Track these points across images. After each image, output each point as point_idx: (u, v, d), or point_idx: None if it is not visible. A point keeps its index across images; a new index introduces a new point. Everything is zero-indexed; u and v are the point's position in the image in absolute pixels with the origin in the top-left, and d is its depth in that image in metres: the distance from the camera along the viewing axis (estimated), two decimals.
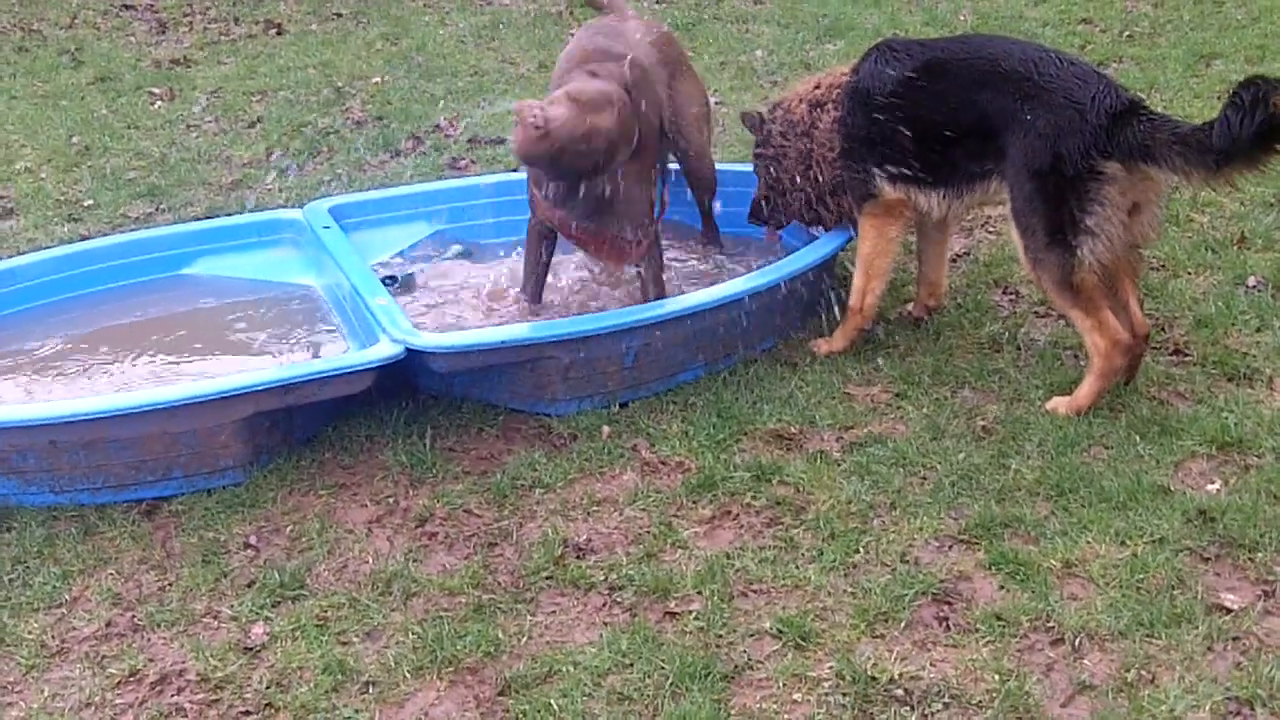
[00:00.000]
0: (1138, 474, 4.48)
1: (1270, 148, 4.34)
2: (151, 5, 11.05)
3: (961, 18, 9.20)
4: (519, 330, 4.95)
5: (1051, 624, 3.89)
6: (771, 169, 5.49)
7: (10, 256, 6.14)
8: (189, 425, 4.46)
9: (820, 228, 5.55)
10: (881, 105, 5.06)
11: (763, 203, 5.63)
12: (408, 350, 4.69)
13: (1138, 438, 4.68)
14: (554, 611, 4.03)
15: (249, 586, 4.16)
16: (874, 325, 5.41)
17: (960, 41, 5.42)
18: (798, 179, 5.41)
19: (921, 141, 5.00)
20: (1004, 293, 5.73)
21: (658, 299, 5.27)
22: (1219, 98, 7.50)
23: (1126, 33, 8.73)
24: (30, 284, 5.52)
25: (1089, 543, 4.19)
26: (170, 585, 4.19)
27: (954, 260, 6.01)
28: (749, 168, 5.74)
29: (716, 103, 7.95)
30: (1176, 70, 7.95)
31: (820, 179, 5.34)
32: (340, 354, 5.04)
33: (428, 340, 4.78)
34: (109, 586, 4.18)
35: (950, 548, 4.23)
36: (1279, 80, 4.29)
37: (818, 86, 5.40)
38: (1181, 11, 9.02)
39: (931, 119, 4.98)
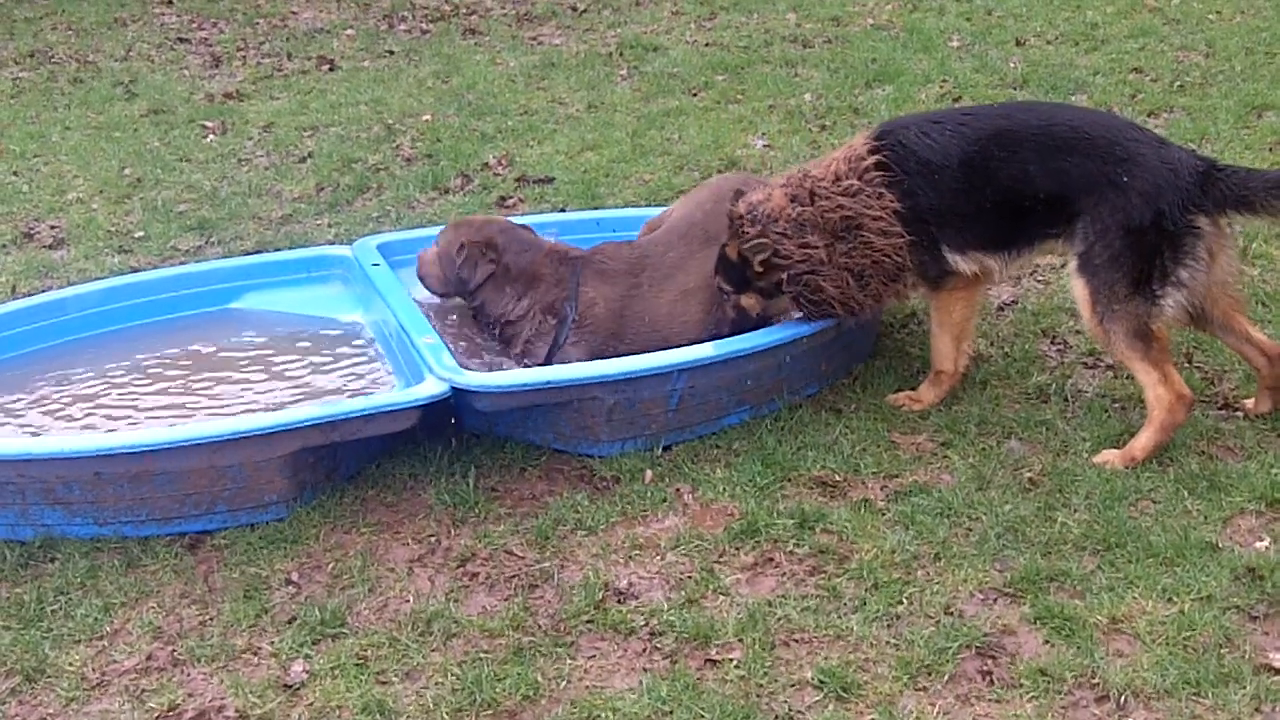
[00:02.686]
0: (1185, 530, 4.43)
1: None
2: (206, 39, 11.19)
3: (1012, 65, 9.18)
4: (563, 371, 4.95)
5: (1097, 680, 3.85)
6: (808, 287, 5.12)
7: (61, 287, 6.20)
8: (234, 460, 4.48)
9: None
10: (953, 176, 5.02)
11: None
12: (453, 389, 4.70)
13: (1186, 493, 4.64)
14: (594, 656, 4.02)
15: (290, 623, 4.16)
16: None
17: (1025, 109, 5.51)
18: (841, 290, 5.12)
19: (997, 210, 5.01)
20: (1052, 343, 5.69)
21: None
22: (1271, 149, 7.48)
23: (1178, 83, 8.68)
24: (79, 315, 5.56)
25: (1135, 599, 4.14)
26: (211, 620, 4.20)
27: (1001, 309, 5.98)
28: None
29: (764, 145, 7.96)
30: (1228, 121, 7.90)
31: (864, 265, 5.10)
32: (386, 391, 5.04)
33: (473, 379, 4.78)
34: (150, 620, 4.20)
35: (995, 600, 4.19)
36: None
37: (846, 160, 5.13)
38: (1233, 62, 8.97)
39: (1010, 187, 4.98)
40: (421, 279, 5.63)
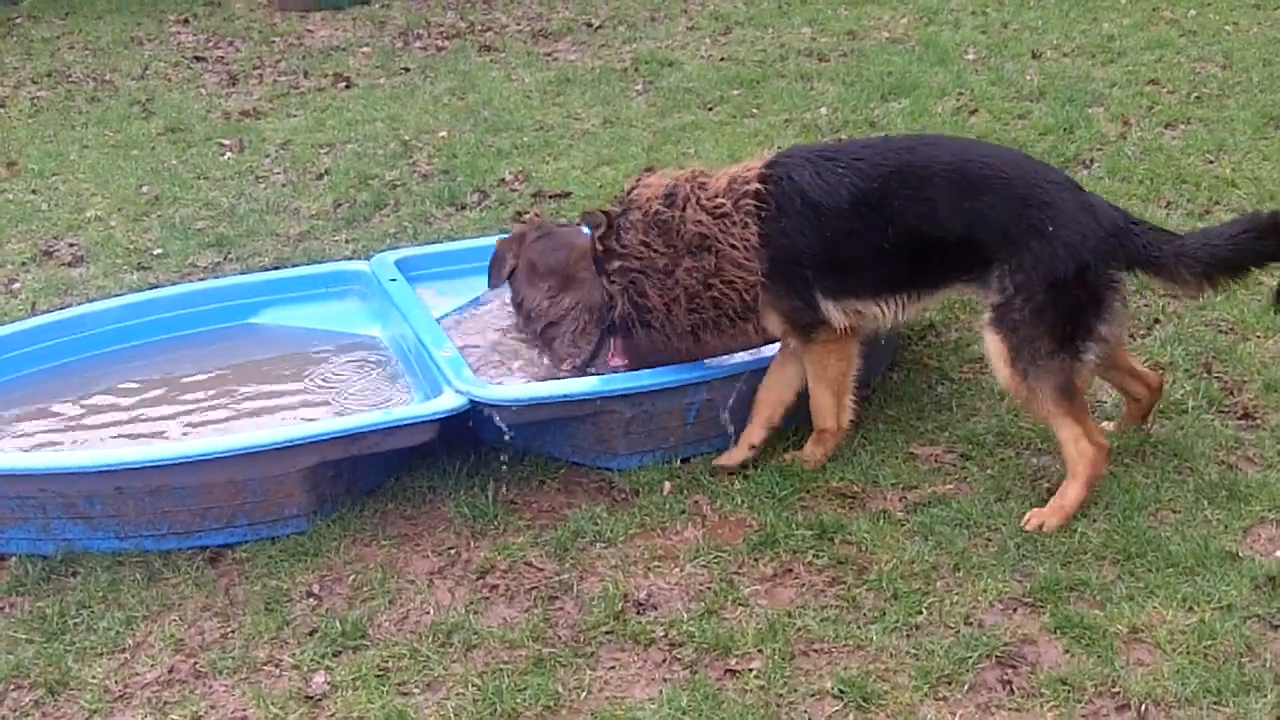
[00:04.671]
0: (1205, 539, 4.43)
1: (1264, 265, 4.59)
2: (222, 58, 11.24)
3: (1029, 77, 9.19)
4: (581, 384, 4.96)
5: (1117, 690, 3.85)
6: (633, 285, 4.86)
7: (80, 304, 6.22)
8: (254, 474, 4.50)
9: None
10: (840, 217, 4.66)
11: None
12: (471, 402, 4.71)
13: (1205, 502, 4.63)
14: (614, 667, 4.03)
15: (311, 635, 4.17)
16: (934, 386, 5.38)
17: (931, 144, 5.03)
18: (667, 305, 4.83)
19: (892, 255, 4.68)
20: None
21: None
22: None
23: (1195, 94, 8.68)
24: (99, 332, 5.59)
25: (1155, 608, 4.14)
26: (233, 633, 4.21)
27: None
28: None
29: None
30: (1245, 133, 7.90)
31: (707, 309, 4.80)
32: (404, 405, 5.05)
33: (491, 392, 4.80)
34: (172, 633, 4.22)
35: (1015, 610, 4.18)
36: None
37: (732, 180, 4.78)
38: (1251, 73, 8.96)
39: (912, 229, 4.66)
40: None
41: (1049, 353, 4.48)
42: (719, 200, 4.70)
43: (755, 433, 4.97)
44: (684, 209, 4.73)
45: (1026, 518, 4.57)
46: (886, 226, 4.62)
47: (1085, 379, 4.64)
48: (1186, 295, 4.75)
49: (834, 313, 4.75)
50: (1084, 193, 4.64)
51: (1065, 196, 4.55)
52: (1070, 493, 4.58)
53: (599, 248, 4.88)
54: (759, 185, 4.68)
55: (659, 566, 4.46)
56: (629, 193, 4.89)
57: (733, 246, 4.67)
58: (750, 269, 4.68)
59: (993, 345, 4.58)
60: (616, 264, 4.83)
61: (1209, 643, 3.99)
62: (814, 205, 4.64)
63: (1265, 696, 3.79)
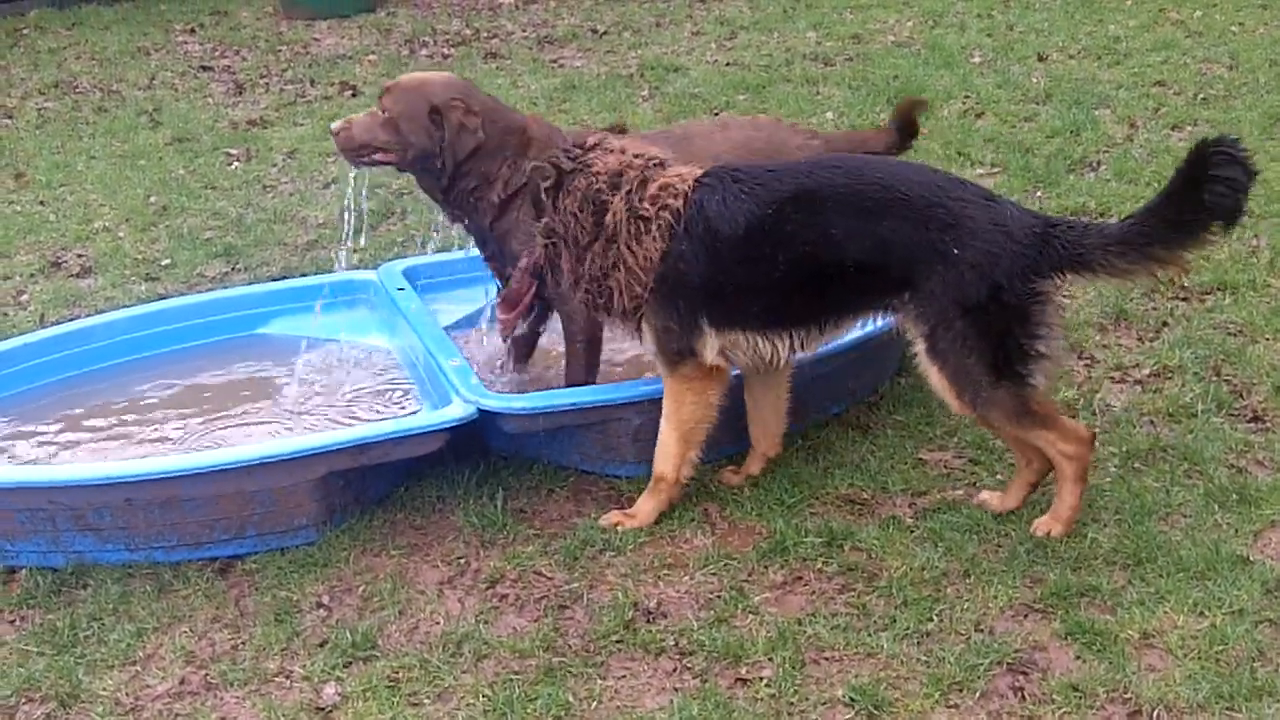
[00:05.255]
0: (1216, 543, 4.41)
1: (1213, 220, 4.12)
2: (229, 67, 11.27)
3: (1035, 80, 9.19)
4: (589, 392, 4.96)
5: (1129, 695, 3.83)
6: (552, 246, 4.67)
7: (88, 315, 6.24)
8: (263, 484, 4.50)
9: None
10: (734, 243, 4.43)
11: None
12: (479, 411, 4.72)
13: (1216, 506, 4.62)
14: (624, 675, 4.02)
15: (321, 646, 4.17)
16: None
17: (828, 166, 4.58)
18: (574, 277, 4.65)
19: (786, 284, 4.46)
20: (1079, 358, 5.67)
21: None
22: None
23: (1201, 95, 8.68)
24: (108, 343, 5.59)
25: (1167, 613, 4.13)
26: (243, 644, 4.21)
27: None
28: None
29: None
30: (1252, 134, 7.89)
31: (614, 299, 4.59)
32: (413, 415, 5.06)
33: (499, 401, 4.80)
34: (182, 644, 4.21)
35: (1025, 617, 4.17)
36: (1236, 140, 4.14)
37: (664, 188, 4.51)
38: (1257, 74, 8.96)
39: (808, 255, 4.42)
40: (355, 148, 5.15)
41: (990, 383, 4.26)
42: (646, 206, 4.46)
43: (754, 464, 4.97)
44: (619, 200, 4.49)
45: (1034, 526, 4.52)
46: (778, 255, 4.39)
47: (1042, 396, 4.35)
48: (1137, 283, 4.50)
49: (712, 343, 4.53)
50: (997, 205, 4.33)
51: (971, 213, 4.26)
52: (1067, 495, 4.47)
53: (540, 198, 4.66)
54: (679, 204, 4.45)
55: (669, 575, 4.45)
56: (586, 151, 4.61)
57: (632, 253, 4.46)
58: (641, 281, 4.48)
59: (933, 379, 4.37)
60: (544, 221, 4.66)
61: (1221, 648, 3.97)
62: (713, 231, 4.41)
63: (1278, 701, 3.77)
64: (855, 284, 4.42)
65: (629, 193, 4.48)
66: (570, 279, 4.62)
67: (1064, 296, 4.40)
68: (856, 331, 4.79)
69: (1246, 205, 4.13)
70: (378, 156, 5.13)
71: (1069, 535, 4.45)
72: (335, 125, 5.21)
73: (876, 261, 4.34)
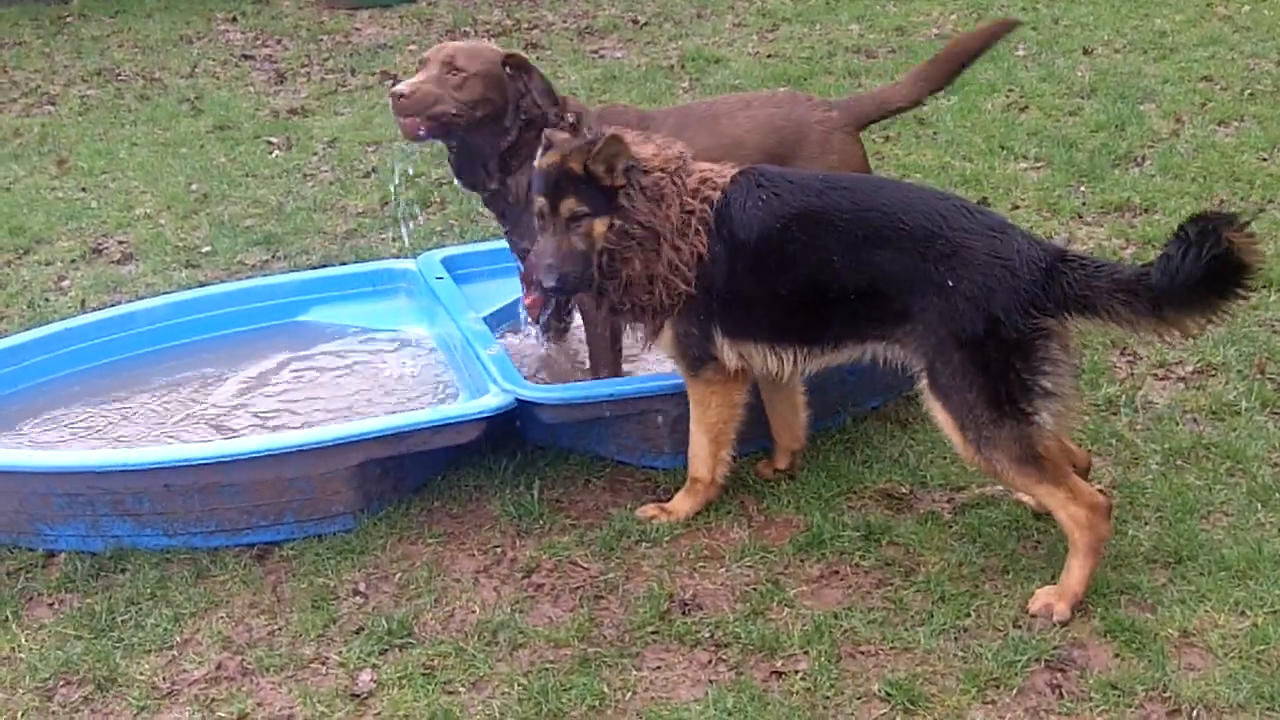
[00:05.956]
0: (1258, 542, 4.37)
1: (1225, 288, 3.86)
2: (270, 56, 11.30)
3: (1080, 73, 9.11)
4: (626, 383, 4.95)
5: (1168, 694, 3.81)
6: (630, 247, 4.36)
7: (130, 301, 6.27)
8: (301, 472, 4.51)
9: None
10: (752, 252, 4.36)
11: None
12: (517, 401, 4.71)
13: (1259, 505, 4.57)
14: (659, 667, 4.01)
15: (357, 633, 4.18)
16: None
17: (840, 187, 4.44)
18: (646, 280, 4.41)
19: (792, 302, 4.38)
20: (1121, 354, 5.63)
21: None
22: None
23: (1248, 91, 8.59)
24: (149, 329, 5.62)
25: (1207, 612, 4.09)
26: (280, 630, 4.23)
27: None
28: None
29: None
30: None
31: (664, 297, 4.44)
32: (451, 404, 5.06)
33: (536, 391, 4.80)
34: (219, 629, 4.23)
35: None
36: (1231, 215, 3.89)
37: (704, 181, 4.43)
38: None
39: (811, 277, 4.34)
40: (425, 108, 4.94)
41: (993, 421, 4.07)
42: (690, 200, 4.38)
43: (780, 459, 4.94)
44: (674, 191, 4.39)
45: (1033, 599, 4.17)
46: (783, 271, 4.34)
47: (1048, 441, 4.12)
48: (1141, 337, 4.24)
49: (729, 351, 4.48)
50: (1003, 237, 4.15)
51: (973, 243, 4.12)
52: (1074, 569, 4.14)
53: (619, 183, 4.36)
54: (720, 198, 4.38)
55: (704, 567, 4.44)
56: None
57: (678, 250, 4.35)
58: (686, 278, 4.37)
59: (937, 415, 4.21)
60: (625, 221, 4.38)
61: (1262, 648, 3.94)
62: (732, 234, 4.35)
63: None
64: (856, 311, 4.32)
65: (679, 185, 4.40)
66: (635, 275, 4.37)
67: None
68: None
69: (1217, 290, 3.86)
70: (445, 119, 4.95)
71: (1071, 618, 4.09)
72: (402, 86, 4.96)
73: (875, 291, 4.25)
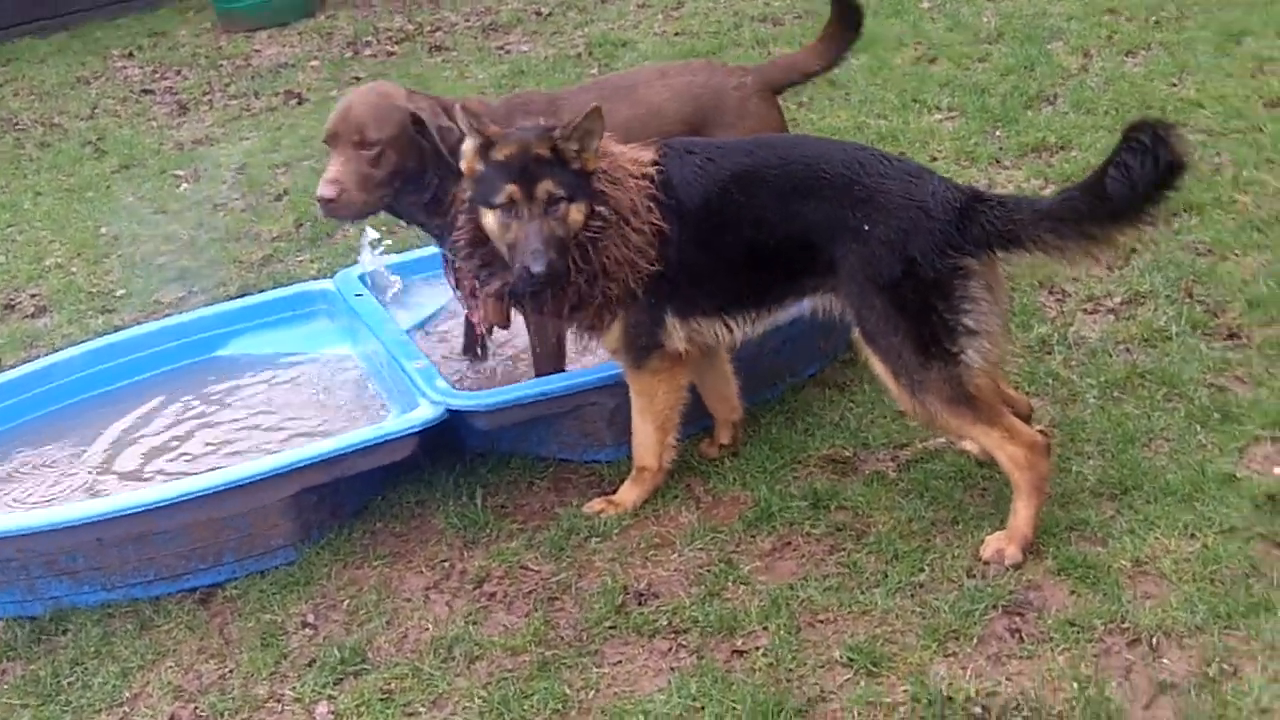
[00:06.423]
0: (1201, 464, 4.37)
1: (1164, 192, 3.82)
2: (170, 87, 11.13)
3: (985, 20, 9.11)
4: (559, 380, 4.88)
5: (1127, 625, 3.81)
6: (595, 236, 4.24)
7: (46, 354, 6.13)
8: (235, 509, 4.42)
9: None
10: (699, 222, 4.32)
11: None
12: (448, 411, 4.64)
13: (1198, 427, 4.57)
14: (620, 661, 3.97)
15: (310, 666, 4.11)
16: None
17: (766, 145, 4.48)
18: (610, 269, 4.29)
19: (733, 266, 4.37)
20: (1050, 293, 5.62)
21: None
22: (1253, 75, 7.40)
23: (1153, 19, 8.61)
24: (67, 381, 5.48)
25: (1157, 539, 4.09)
26: (230, 672, 4.15)
27: None
28: None
29: None
30: (1207, 52, 7.85)
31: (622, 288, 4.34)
32: (381, 422, 4.98)
33: (468, 399, 4.73)
34: (169, 680, 4.14)
35: None
36: (1161, 119, 3.92)
37: (636, 159, 4.34)
38: None
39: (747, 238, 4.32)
40: (361, 202, 4.80)
41: (921, 364, 4.07)
42: (637, 180, 4.28)
43: (723, 433, 4.90)
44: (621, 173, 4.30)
45: (984, 546, 4.18)
46: (727, 235, 4.31)
47: (979, 381, 4.09)
48: (1072, 263, 4.12)
49: (679, 333, 4.44)
50: (918, 180, 4.15)
51: (889, 187, 4.12)
52: (1021, 511, 4.14)
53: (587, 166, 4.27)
54: (660, 169, 4.30)
55: (656, 555, 4.40)
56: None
57: (640, 231, 4.26)
58: (650, 257, 4.28)
59: (872, 364, 4.22)
60: (595, 207, 4.27)
61: (1214, 568, 3.94)
62: (680, 205, 4.29)
63: (1275, 615, 3.74)
64: (793, 265, 4.31)
65: (625, 165, 4.30)
66: (609, 262, 4.24)
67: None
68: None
69: (1156, 198, 3.83)
70: (375, 208, 4.83)
71: (1023, 561, 4.09)
72: (325, 191, 4.74)
73: (806, 243, 4.23)
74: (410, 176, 4.83)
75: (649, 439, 4.62)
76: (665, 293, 4.37)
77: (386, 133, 4.76)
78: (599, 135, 4.17)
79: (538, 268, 4.08)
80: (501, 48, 10.76)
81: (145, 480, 4.97)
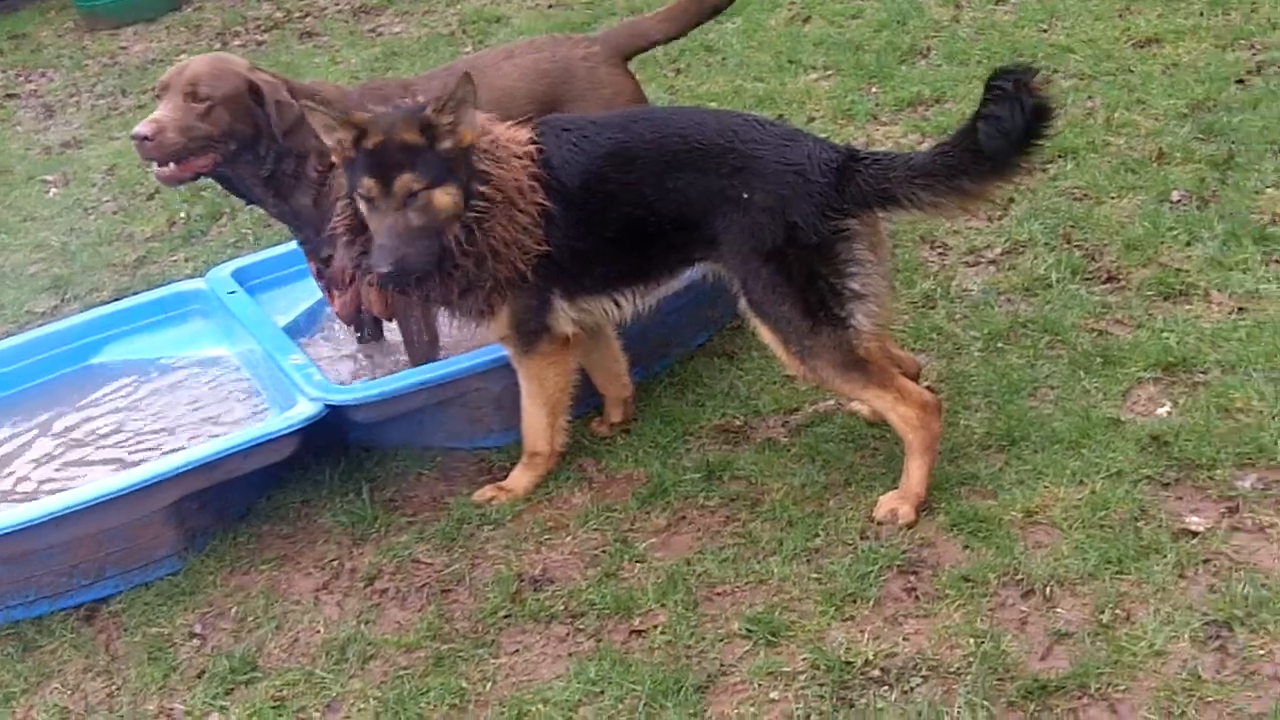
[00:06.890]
0: (1086, 410, 4.40)
1: (1036, 140, 3.82)
2: (35, 91, 10.80)
3: None
4: (441, 367, 4.79)
5: (1020, 577, 3.83)
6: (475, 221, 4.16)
7: None
8: (114, 521, 4.29)
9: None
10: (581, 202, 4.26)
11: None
12: (328, 407, 4.55)
13: (1082, 373, 4.60)
14: (517, 651, 3.92)
15: (199, 677, 4.01)
16: None
17: (640, 119, 4.42)
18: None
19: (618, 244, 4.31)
20: (931, 247, 5.62)
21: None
22: (1120, 16, 7.46)
23: None
24: None
25: (1046, 488, 4.12)
26: (118, 689, 4.04)
27: None
28: None
29: None
30: None
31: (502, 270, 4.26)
32: (260, 421, 4.86)
33: (346, 393, 4.64)
34: (54, 702, 4.02)
35: None
36: (1031, 67, 3.83)
37: (515, 138, 4.26)
38: None
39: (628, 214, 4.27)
40: (176, 150, 4.65)
41: (809, 330, 4.03)
42: (519, 159, 4.22)
43: (614, 412, 4.86)
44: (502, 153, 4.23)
45: (877, 507, 4.17)
46: (609, 212, 4.25)
47: (869, 344, 4.08)
48: (948, 217, 4.23)
49: (566, 315, 4.40)
50: (793, 144, 4.11)
51: (763, 153, 4.07)
52: (913, 470, 4.14)
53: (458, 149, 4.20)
54: (538, 148, 4.23)
55: (550, 539, 4.34)
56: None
57: (526, 211, 4.19)
58: (537, 238, 4.22)
59: (761, 333, 4.19)
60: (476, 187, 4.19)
61: (1103, 513, 3.97)
62: (562, 184, 4.22)
63: (1165, 557, 3.78)
64: (677, 240, 4.25)
65: (505, 145, 4.22)
66: (497, 244, 4.16)
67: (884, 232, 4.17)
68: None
69: (1029, 145, 3.82)
70: (200, 159, 4.70)
71: (916, 520, 4.11)
72: (142, 129, 4.57)
73: (687, 216, 4.18)
74: (245, 143, 4.72)
75: (540, 423, 4.56)
76: (551, 274, 4.29)
77: (220, 91, 4.66)
78: (472, 103, 4.07)
79: (384, 267, 4.03)
80: (373, 30, 10.58)
81: (22, 498, 4.81)
